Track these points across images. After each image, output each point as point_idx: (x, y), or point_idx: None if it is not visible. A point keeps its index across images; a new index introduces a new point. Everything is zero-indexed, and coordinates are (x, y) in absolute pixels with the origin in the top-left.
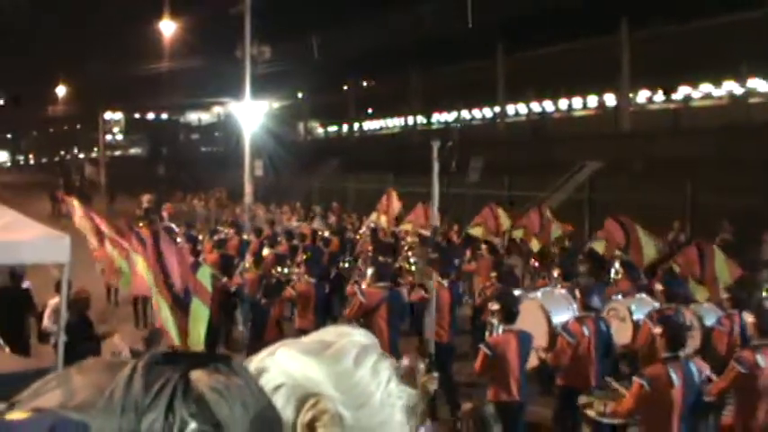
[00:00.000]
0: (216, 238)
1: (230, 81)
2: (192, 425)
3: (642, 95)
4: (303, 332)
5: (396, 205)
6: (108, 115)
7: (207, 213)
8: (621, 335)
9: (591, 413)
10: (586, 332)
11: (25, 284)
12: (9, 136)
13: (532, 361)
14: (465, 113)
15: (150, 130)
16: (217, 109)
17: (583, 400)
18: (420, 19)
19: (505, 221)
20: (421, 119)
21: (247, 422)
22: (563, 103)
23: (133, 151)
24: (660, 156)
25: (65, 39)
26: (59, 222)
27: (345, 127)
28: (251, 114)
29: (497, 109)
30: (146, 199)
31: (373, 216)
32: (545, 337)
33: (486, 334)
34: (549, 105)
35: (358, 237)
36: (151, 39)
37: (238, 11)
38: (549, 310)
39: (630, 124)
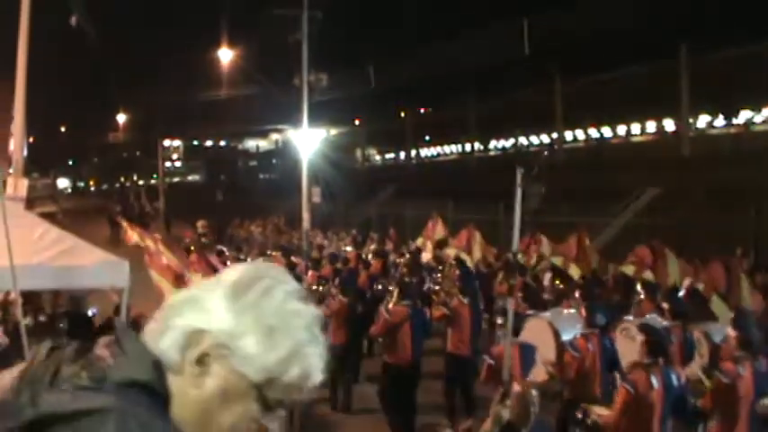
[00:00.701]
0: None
1: (288, 108)
2: None
3: (702, 120)
4: (336, 348)
5: (440, 230)
6: (167, 142)
7: (264, 240)
8: (630, 353)
9: (588, 419)
10: (591, 347)
11: (92, 311)
12: (70, 162)
13: (541, 374)
14: (522, 140)
15: (208, 157)
16: (274, 136)
17: (582, 407)
18: (476, 45)
19: (546, 248)
20: (478, 145)
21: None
22: (621, 129)
23: (191, 178)
24: (721, 181)
25: (125, 66)
26: (118, 248)
27: (402, 154)
28: (308, 141)
29: (555, 135)
30: (200, 224)
31: (419, 241)
32: (553, 352)
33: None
34: (607, 131)
35: (400, 260)
36: (210, 67)
37: (296, 39)
38: (558, 327)
39: (690, 149)
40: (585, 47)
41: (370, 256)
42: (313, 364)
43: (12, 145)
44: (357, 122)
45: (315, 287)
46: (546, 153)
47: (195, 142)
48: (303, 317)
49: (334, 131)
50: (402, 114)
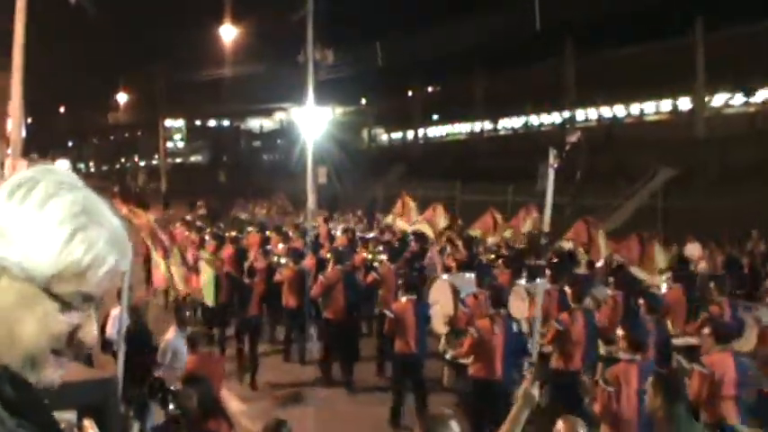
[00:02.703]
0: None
1: (292, 87)
2: None
3: (718, 99)
4: (288, 310)
5: (411, 208)
6: (169, 122)
7: (267, 221)
8: (517, 309)
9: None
10: (480, 304)
11: None
12: (70, 144)
13: (439, 325)
14: (533, 119)
15: (211, 137)
16: (279, 115)
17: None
18: (486, 22)
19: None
20: (488, 125)
21: None
22: (635, 108)
23: (194, 158)
24: (737, 161)
25: (126, 45)
26: None
27: (410, 133)
28: (314, 121)
29: (566, 114)
30: (199, 204)
31: (389, 218)
32: (451, 306)
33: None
34: (620, 110)
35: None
36: (212, 45)
37: (301, 16)
38: (458, 287)
39: (705, 129)
40: (598, 23)
41: (338, 232)
42: (100, 247)
43: (9, 126)
44: (364, 102)
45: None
46: (576, 134)
47: (198, 122)
48: (74, 203)
49: (340, 111)
50: (410, 93)
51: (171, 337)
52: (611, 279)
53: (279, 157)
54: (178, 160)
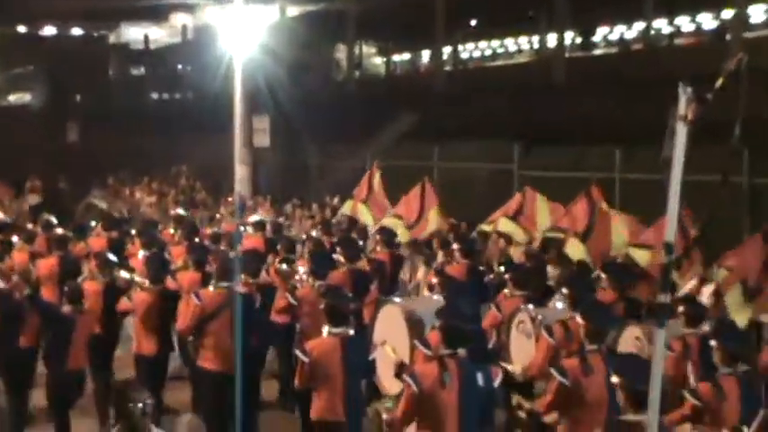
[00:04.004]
0: None
1: None
2: None
3: None
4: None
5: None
6: None
7: (162, 215)
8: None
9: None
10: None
11: None
12: None
13: (392, 384)
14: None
15: (51, 60)
16: (179, 18)
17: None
18: None
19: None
20: (570, 38)
21: None
22: None
23: (14, 98)
24: None
25: None
26: None
27: (426, 55)
28: (245, 29)
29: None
30: (31, 189)
31: (346, 206)
32: (407, 349)
33: None
34: None
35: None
36: None
37: None
38: (422, 316)
39: None
40: None
41: (249, 229)
42: None
43: None
44: None
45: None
46: (738, 55)
47: (21, 28)
48: None
49: (295, 11)
50: None
51: None
52: None
53: (179, 96)
54: None
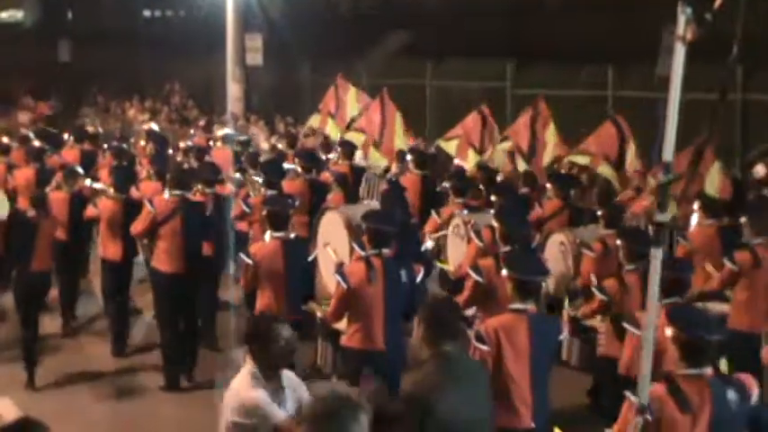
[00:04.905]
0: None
1: None
2: None
3: None
4: None
5: (348, 100)
6: None
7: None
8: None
9: None
10: None
11: None
12: None
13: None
14: None
15: None
16: None
17: None
18: None
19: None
20: None
21: None
22: None
23: (7, 15)
24: None
25: None
26: None
27: None
28: None
29: None
30: (23, 107)
31: (313, 120)
32: (346, 251)
33: None
34: None
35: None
36: None
37: None
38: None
39: None
40: None
41: (218, 144)
42: None
43: None
44: None
45: None
46: None
47: None
48: None
49: None
50: None
51: None
52: None
53: (171, 14)
54: None
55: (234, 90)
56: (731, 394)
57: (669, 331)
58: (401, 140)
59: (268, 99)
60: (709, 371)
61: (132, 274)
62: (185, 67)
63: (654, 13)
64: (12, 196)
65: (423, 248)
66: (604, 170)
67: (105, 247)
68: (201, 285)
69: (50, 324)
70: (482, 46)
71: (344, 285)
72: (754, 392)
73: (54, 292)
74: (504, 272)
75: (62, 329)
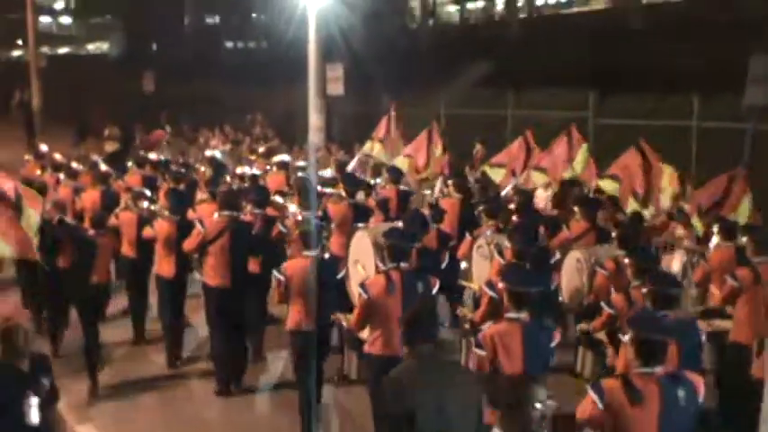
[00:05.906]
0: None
1: None
2: None
3: None
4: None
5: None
6: None
7: (235, 163)
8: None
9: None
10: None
11: None
12: None
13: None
14: None
15: (128, 9)
16: None
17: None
18: None
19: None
20: None
21: None
22: None
23: (93, 47)
24: None
25: None
26: None
27: (500, 2)
28: None
29: None
30: (109, 137)
31: (367, 146)
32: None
33: None
34: None
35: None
36: None
37: None
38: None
39: None
40: None
41: (273, 168)
42: None
43: None
44: None
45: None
46: None
47: None
48: None
49: None
50: None
51: None
52: None
53: (253, 45)
54: (63, 50)
55: (315, 120)
56: (680, 392)
57: (628, 335)
58: (434, 163)
59: (348, 129)
60: (660, 370)
61: (186, 290)
62: (267, 98)
63: (740, 42)
64: (79, 216)
65: (461, 268)
66: (633, 205)
67: (160, 265)
68: (249, 299)
69: (112, 333)
70: (563, 74)
71: (365, 296)
72: (701, 391)
73: (123, 303)
74: (500, 284)
75: (134, 339)
